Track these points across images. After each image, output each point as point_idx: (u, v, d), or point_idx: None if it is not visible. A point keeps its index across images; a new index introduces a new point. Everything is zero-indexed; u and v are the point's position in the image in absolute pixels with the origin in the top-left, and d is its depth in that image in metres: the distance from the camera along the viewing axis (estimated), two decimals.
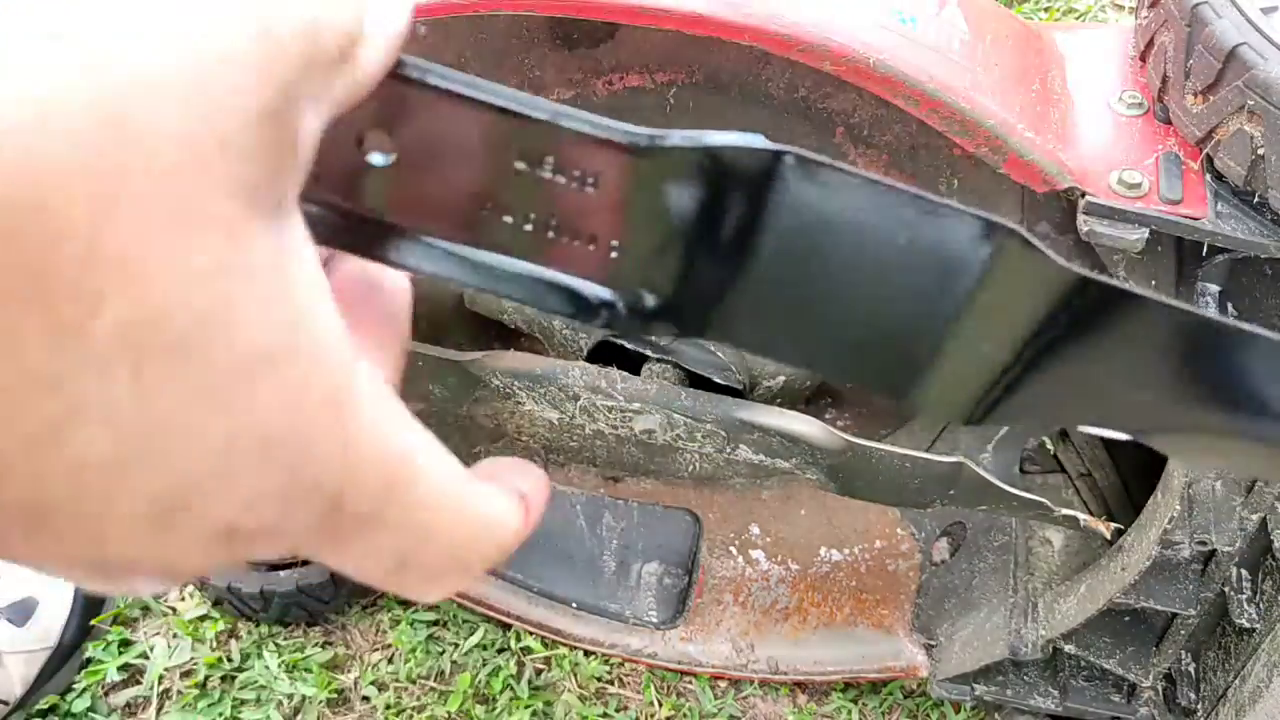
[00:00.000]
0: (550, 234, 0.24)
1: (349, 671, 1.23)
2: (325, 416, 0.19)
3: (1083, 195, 0.69)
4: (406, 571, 0.23)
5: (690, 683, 1.23)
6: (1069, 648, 0.96)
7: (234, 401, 0.18)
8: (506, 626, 1.22)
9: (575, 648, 1.20)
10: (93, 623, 1.21)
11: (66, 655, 1.18)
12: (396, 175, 0.23)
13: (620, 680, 1.23)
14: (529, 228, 0.24)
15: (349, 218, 0.24)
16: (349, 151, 0.23)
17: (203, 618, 1.25)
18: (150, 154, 0.16)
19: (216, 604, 1.24)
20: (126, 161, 0.15)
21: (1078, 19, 1.81)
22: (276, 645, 1.24)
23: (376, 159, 0.23)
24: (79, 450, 0.17)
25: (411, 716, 1.19)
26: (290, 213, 0.19)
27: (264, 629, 1.25)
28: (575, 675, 1.22)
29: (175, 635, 1.23)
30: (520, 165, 0.23)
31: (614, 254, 0.24)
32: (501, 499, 0.25)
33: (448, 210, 0.24)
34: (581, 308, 0.25)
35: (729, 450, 0.89)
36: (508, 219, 0.24)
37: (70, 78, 0.15)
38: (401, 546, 0.22)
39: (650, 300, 0.25)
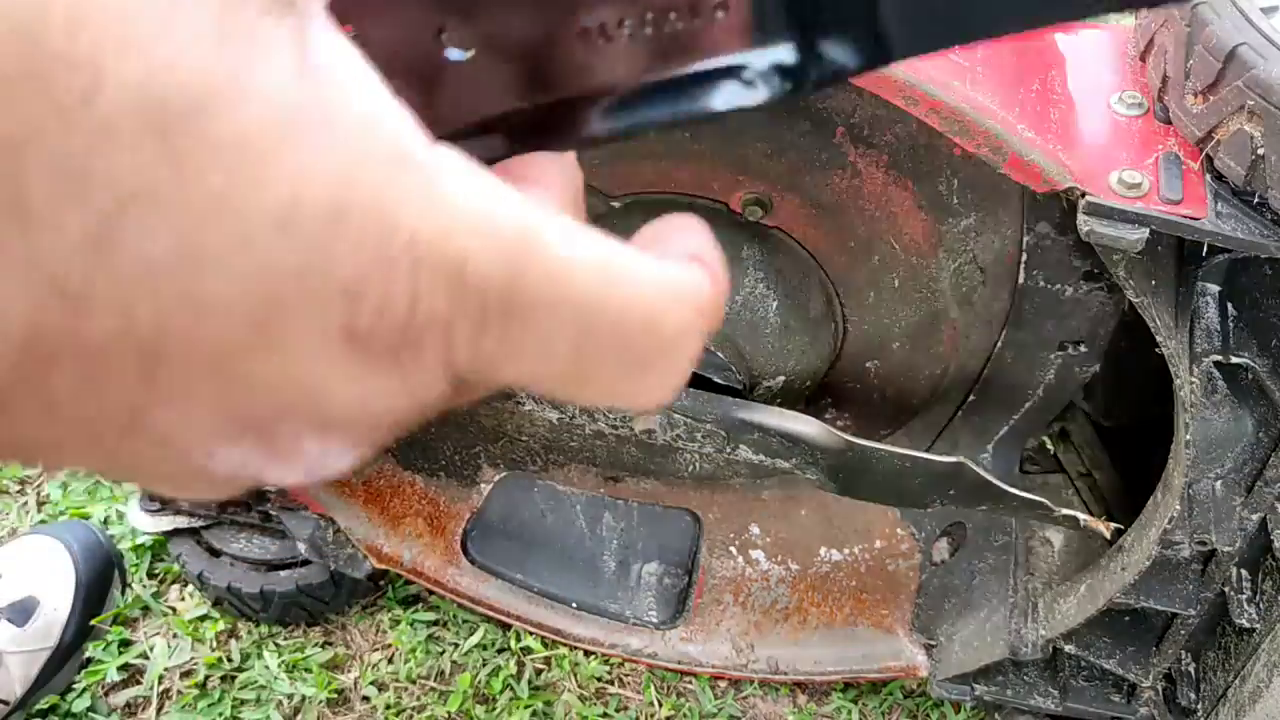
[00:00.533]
0: (678, 21, 0.22)
1: (349, 671, 1.23)
2: (394, 173, 0.17)
3: (1083, 195, 0.69)
4: (593, 361, 0.19)
5: (690, 683, 1.22)
6: (1069, 648, 0.96)
7: (281, 160, 0.16)
8: (506, 626, 1.22)
9: (575, 648, 1.20)
10: (93, 623, 1.21)
11: (66, 655, 1.18)
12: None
13: (620, 680, 1.23)
14: (649, 30, 0.22)
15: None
16: (427, 47, 0.21)
17: (203, 618, 1.25)
18: None
19: (216, 604, 1.24)
20: None
21: None
22: (276, 645, 1.24)
23: (454, 54, 0.21)
24: (139, 248, 0.15)
25: (411, 716, 1.19)
26: (309, 13, 0.17)
27: (264, 629, 1.25)
28: (575, 675, 1.22)
29: (175, 635, 1.23)
30: None
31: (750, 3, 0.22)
32: (670, 261, 0.21)
33: (559, 56, 0.22)
34: (760, 80, 0.22)
35: (729, 450, 0.89)
36: (625, 29, 0.22)
37: None
38: (566, 323, 0.19)
39: (813, 31, 0.22)
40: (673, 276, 0.20)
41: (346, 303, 0.17)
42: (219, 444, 0.18)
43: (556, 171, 0.23)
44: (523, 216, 0.18)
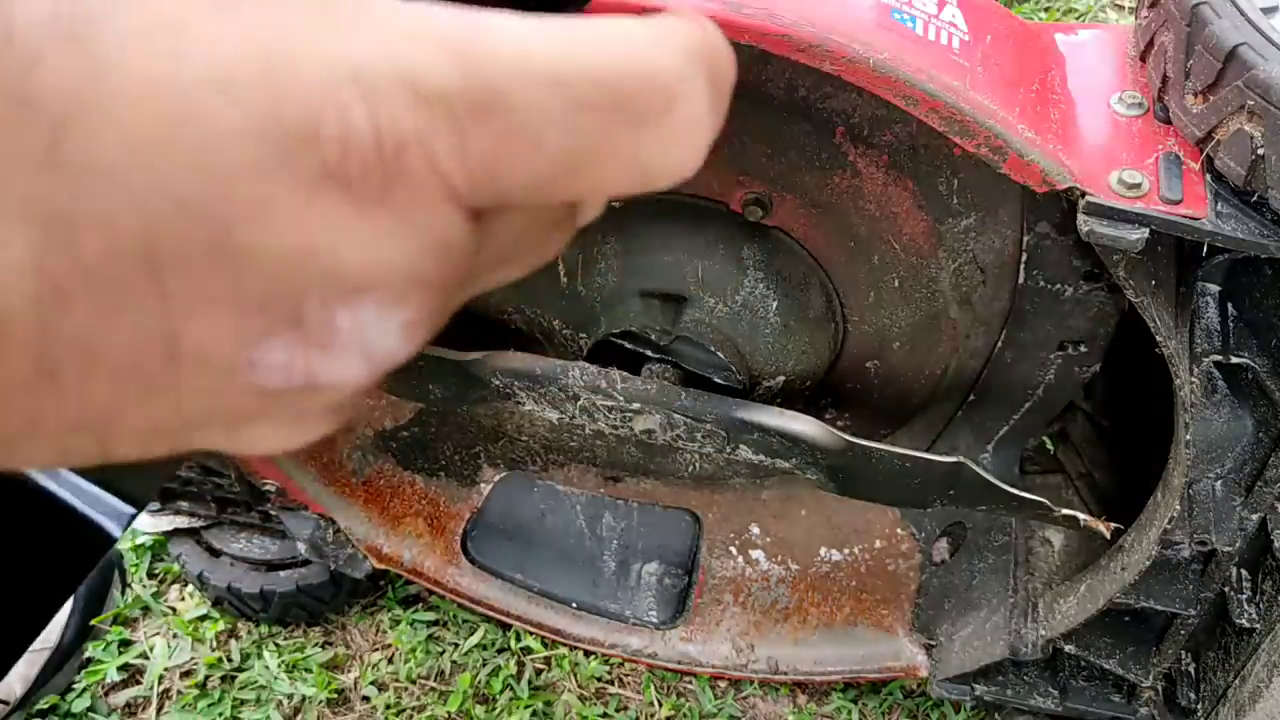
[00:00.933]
0: None
1: (349, 671, 1.23)
2: (320, 12, 0.17)
3: (1083, 195, 0.69)
4: (596, 133, 0.18)
5: (690, 683, 1.23)
6: (1069, 648, 0.96)
7: (202, 33, 0.16)
8: (506, 626, 1.22)
9: (575, 648, 1.20)
10: (93, 623, 1.21)
11: (66, 655, 1.18)
12: None
13: (620, 680, 1.23)
14: None
15: None
16: None
17: (203, 618, 1.25)
18: None
19: (216, 604, 1.24)
20: None
21: (1078, 19, 1.81)
22: (276, 645, 1.24)
23: None
24: (94, 153, 0.15)
25: (411, 716, 1.19)
26: None
27: (264, 629, 1.25)
28: (575, 675, 1.22)
29: (175, 635, 1.23)
30: None
31: None
32: (643, 20, 0.19)
33: None
34: None
35: (729, 450, 0.89)
36: None
37: None
38: (546, 102, 0.17)
39: None
40: (644, 28, 0.19)
41: (310, 146, 0.16)
42: (255, 344, 0.17)
43: None
44: (460, 15, 0.17)
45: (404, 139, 0.16)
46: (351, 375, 0.18)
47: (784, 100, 0.80)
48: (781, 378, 0.98)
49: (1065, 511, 0.86)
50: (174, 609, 1.26)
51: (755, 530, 1.18)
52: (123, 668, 1.21)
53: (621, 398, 0.89)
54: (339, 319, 0.17)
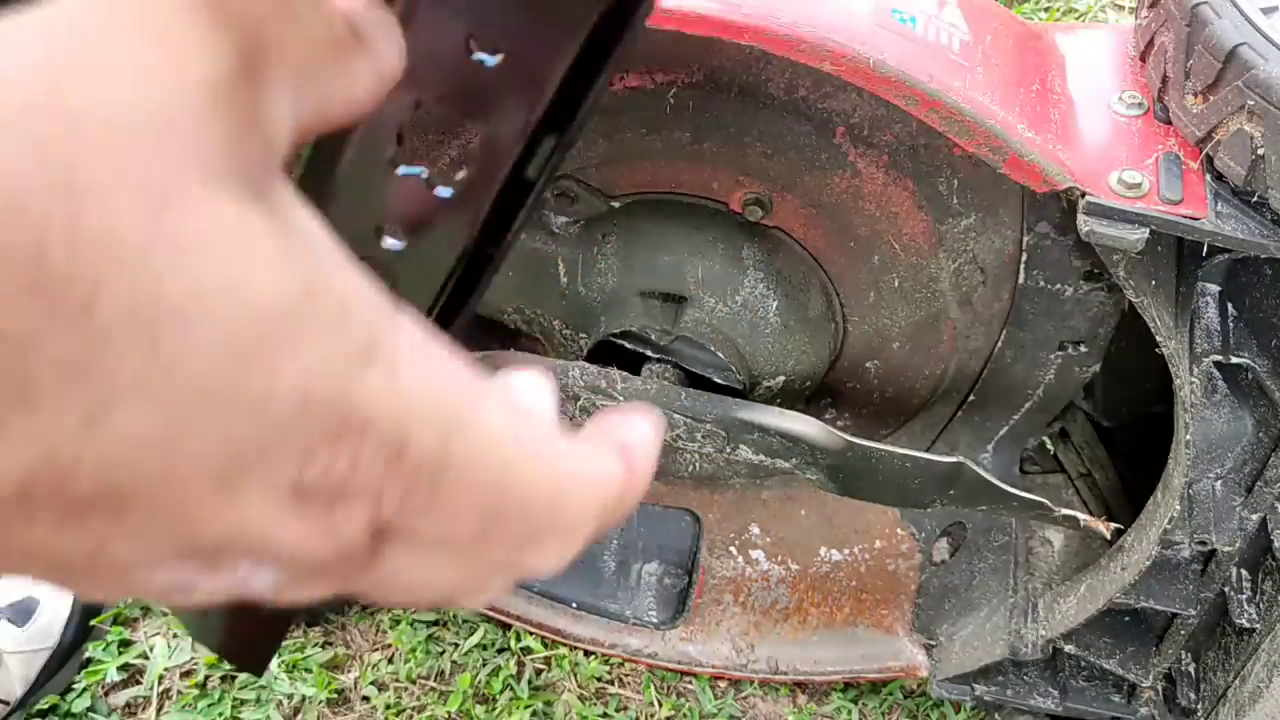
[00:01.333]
0: None
1: (349, 671, 1.23)
2: (361, 366, 0.19)
3: (1083, 195, 0.69)
4: (496, 530, 0.22)
5: (690, 683, 1.23)
6: (1069, 648, 0.96)
7: (261, 361, 0.18)
8: (506, 626, 1.22)
9: (575, 648, 1.20)
10: (93, 623, 1.21)
11: (66, 655, 1.18)
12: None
13: (620, 680, 1.23)
14: None
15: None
16: (459, 58, 0.23)
17: None
18: (101, 141, 0.17)
19: None
20: (79, 151, 0.17)
21: (1078, 19, 1.81)
22: None
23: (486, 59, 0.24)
24: (128, 429, 0.17)
25: (411, 716, 1.19)
26: (274, 184, 0.19)
27: None
28: (575, 675, 1.22)
29: (175, 635, 1.23)
30: None
31: None
32: (593, 451, 0.23)
33: None
34: None
35: (729, 450, 0.89)
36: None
37: (13, 76, 0.16)
38: (479, 497, 0.21)
39: None
40: (588, 466, 0.23)
41: (298, 467, 0.19)
42: (165, 568, 0.20)
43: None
44: (462, 397, 0.21)
45: (371, 482, 0.20)
46: (223, 591, 0.22)
47: (784, 100, 0.80)
48: (781, 378, 0.98)
49: (1065, 511, 0.86)
50: None
51: (755, 530, 1.18)
52: (123, 668, 1.21)
53: (621, 397, 0.89)
54: (240, 569, 0.21)
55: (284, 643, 1.24)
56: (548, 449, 0.22)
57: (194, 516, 0.19)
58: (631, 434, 0.25)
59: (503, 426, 0.21)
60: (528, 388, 0.25)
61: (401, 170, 0.25)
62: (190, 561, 0.20)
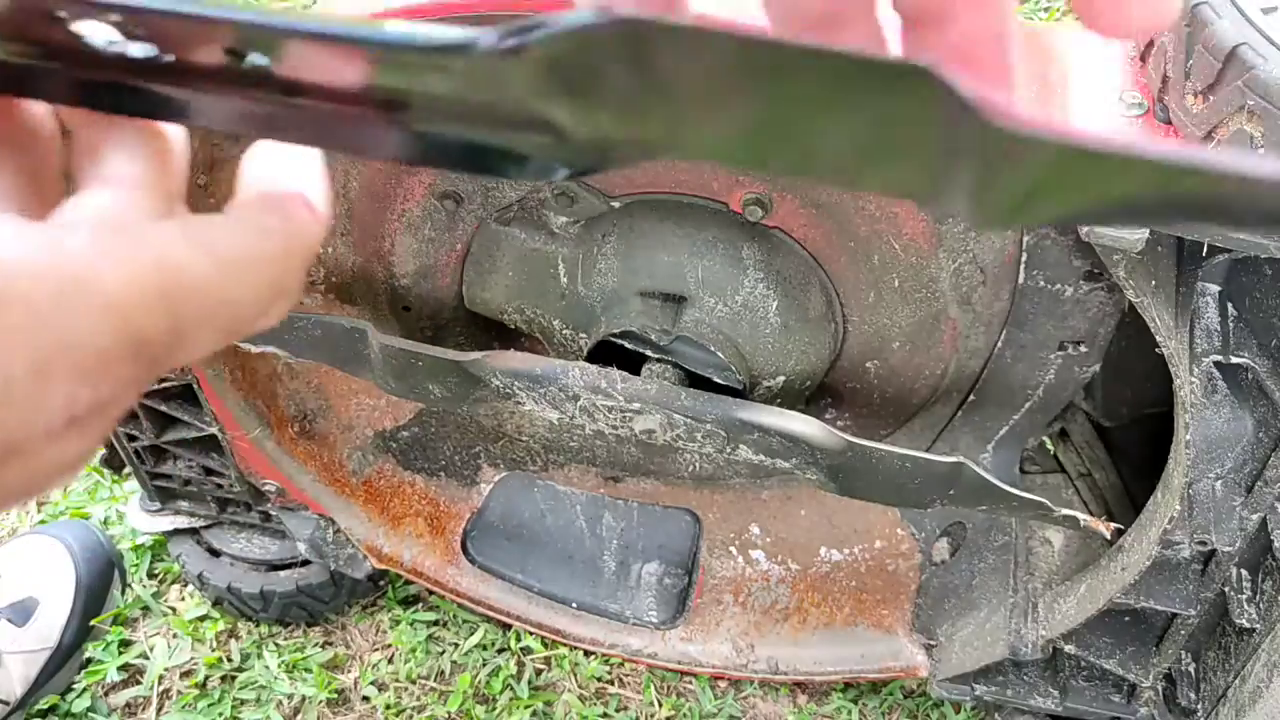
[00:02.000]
0: None
1: (349, 671, 1.23)
2: (59, 280, 0.22)
3: None
4: (241, 328, 0.26)
5: (690, 683, 1.23)
6: (1069, 648, 0.96)
7: None
8: (506, 626, 1.22)
9: (575, 648, 1.20)
10: (93, 623, 1.21)
11: (66, 655, 1.18)
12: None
13: (620, 680, 1.23)
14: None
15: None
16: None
17: (203, 618, 1.25)
18: None
19: (216, 604, 1.24)
20: None
21: (1078, 19, 1.81)
22: (276, 645, 1.24)
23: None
24: None
25: (411, 716, 1.19)
26: None
27: (264, 629, 1.25)
28: (575, 675, 1.22)
29: (175, 635, 1.23)
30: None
31: None
32: (259, 234, 0.27)
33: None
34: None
35: (729, 450, 0.89)
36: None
37: None
38: (220, 324, 0.25)
39: None
40: (269, 246, 0.28)
41: (65, 405, 0.22)
42: None
43: (128, 165, 0.28)
44: (165, 266, 0.24)
45: (130, 382, 0.23)
46: None
47: None
48: (781, 378, 0.98)
49: (1065, 511, 0.86)
50: (174, 609, 1.26)
51: (755, 530, 1.18)
52: (123, 668, 1.21)
53: (621, 398, 0.89)
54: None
55: (284, 642, 1.24)
56: (239, 242, 0.26)
57: None
58: (289, 182, 0.29)
59: (203, 257, 0.25)
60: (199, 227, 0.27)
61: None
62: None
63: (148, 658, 1.21)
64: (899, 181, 0.22)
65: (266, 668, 1.21)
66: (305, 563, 1.20)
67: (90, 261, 0.22)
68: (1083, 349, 0.91)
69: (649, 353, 0.96)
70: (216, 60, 0.25)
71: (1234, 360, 0.74)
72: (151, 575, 1.29)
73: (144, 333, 0.23)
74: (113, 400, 0.23)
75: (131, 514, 1.20)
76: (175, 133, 0.29)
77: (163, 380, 0.99)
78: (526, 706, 1.19)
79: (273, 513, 1.15)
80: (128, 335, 0.23)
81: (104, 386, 0.23)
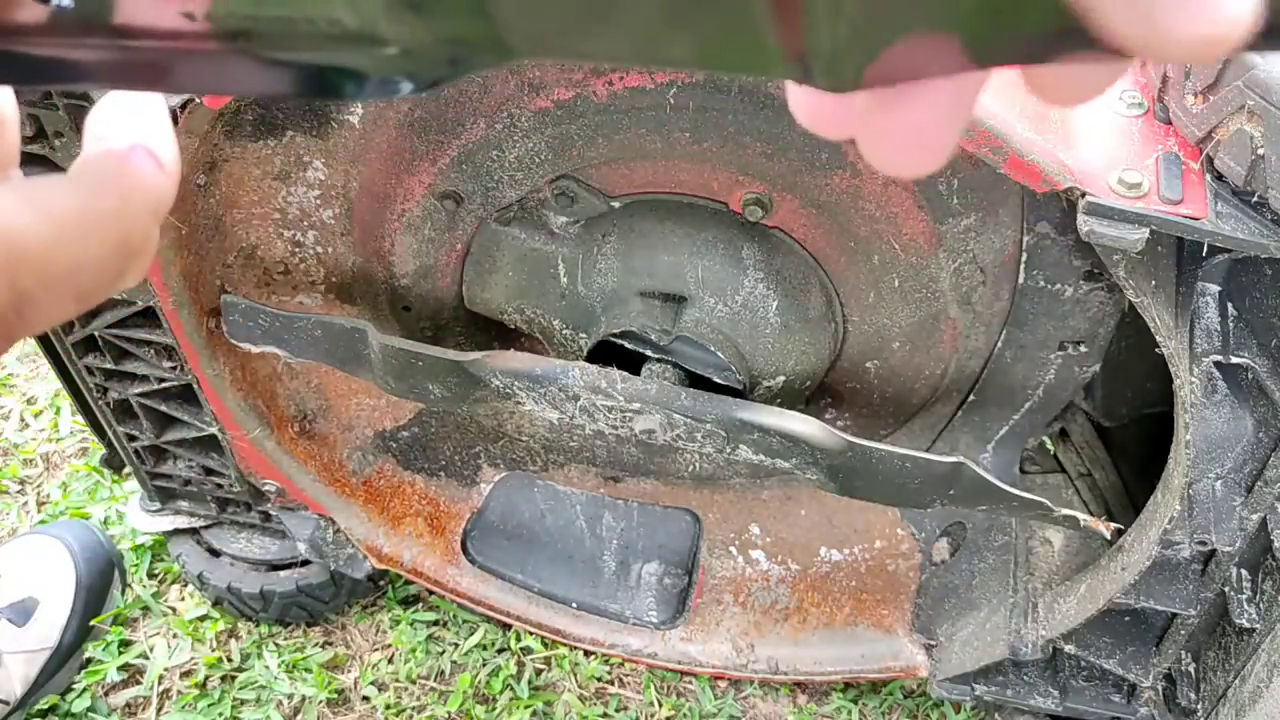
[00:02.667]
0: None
1: (349, 671, 1.23)
2: None
3: (1083, 195, 0.69)
4: (92, 295, 0.26)
5: (690, 683, 1.23)
6: (1069, 648, 0.96)
7: None
8: (506, 626, 1.22)
9: (575, 648, 1.20)
10: (93, 623, 1.21)
11: (66, 655, 1.18)
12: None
13: (620, 680, 1.23)
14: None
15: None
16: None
17: (203, 618, 1.25)
18: None
19: (216, 604, 1.24)
20: None
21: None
22: (276, 645, 1.24)
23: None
24: None
25: (411, 716, 1.19)
26: None
27: (264, 629, 1.25)
28: (575, 675, 1.22)
29: (175, 635, 1.23)
30: None
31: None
32: (96, 199, 0.26)
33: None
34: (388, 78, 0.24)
35: (729, 450, 0.89)
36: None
37: None
38: (66, 289, 0.25)
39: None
40: (105, 204, 0.26)
41: None
42: None
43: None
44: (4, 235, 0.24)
45: None
46: None
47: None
48: (781, 378, 0.98)
49: (1065, 511, 0.86)
50: (174, 609, 1.26)
51: (755, 530, 1.18)
52: (123, 668, 1.21)
53: (621, 398, 0.89)
54: None
55: (284, 642, 1.24)
56: (68, 231, 0.25)
57: None
58: (131, 135, 0.28)
59: (39, 240, 0.24)
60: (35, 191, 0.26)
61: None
62: None
63: (148, 658, 1.21)
64: (726, 50, 0.21)
65: (266, 668, 1.21)
66: (305, 563, 1.20)
67: None
68: (1083, 349, 0.91)
69: (649, 353, 0.96)
70: (35, 14, 0.24)
71: (1234, 360, 0.74)
72: (151, 575, 1.29)
73: None
74: None
75: (131, 514, 1.20)
76: (3, 98, 0.29)
77: (162, 380, 0.99)
78: (526, 706, 1.19)
79: (273, 513, 1.15)
80: None
81: None
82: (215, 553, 1.21)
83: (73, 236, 0.25)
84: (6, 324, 0.23)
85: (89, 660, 1.21)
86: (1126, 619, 0.94)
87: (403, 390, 0.95)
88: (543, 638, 1.21)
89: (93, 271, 0.25)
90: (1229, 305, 0.76)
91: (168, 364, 0.98)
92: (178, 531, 1.20)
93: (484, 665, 1.22)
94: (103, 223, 0.26)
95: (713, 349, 0.93)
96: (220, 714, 1.18)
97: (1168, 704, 0.98)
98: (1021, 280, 0.87)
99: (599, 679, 1.22)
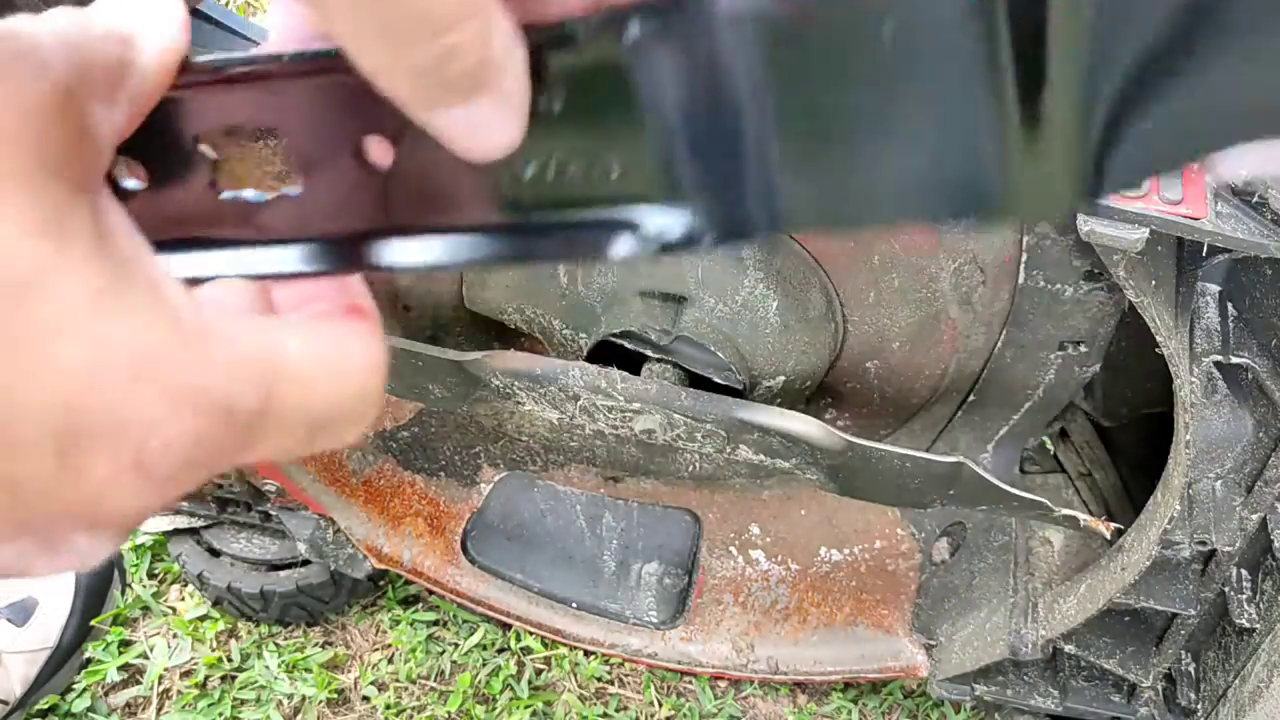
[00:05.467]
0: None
1: (349, 671, 1.23)
2: (175, 342, 0.22)
3: None
4: (322, 433, 0.26)
5: (690, 683, 1.23)
6: (1069, 648, 0.96)
7: (84, 333, 0.20)
8: (506, 626, 1.22)
9: (575, 648, 1.20)
10: (93, 623, 1.21)
11: (66, 655, 1.18)
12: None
13: (620, 680, 1.23)
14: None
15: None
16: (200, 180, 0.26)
17: (203, 618, 1.25)
18: None
19: (216, 604, 1.24)
20: None
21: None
22: (276, 645, 1.24)
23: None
24: None
25: (411, 716, 1.19)
26: (96, 191, 0.22)
27: (264, 629, 1.25)
28: (575, 675, 1.22)
29: (175, 635, 1.23)
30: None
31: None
32: (352, 333, 0.27)
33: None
34: (653, 236, 0.25)
35: (729, 450, 0.89)
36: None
37: None
38: (302, 420, 0.25)
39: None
40: (368, 355, 0.26)
41: (138, 446, 0.21)
42: (16, 552, 0.22)
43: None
44: (268, 351, 0.24)
45: (211, 448, 0.22)
46: (58, 569, 0.23)
47: None
48: (781, 378, 0.98)
49: (1065, 511, 0.86)
50: (174, 609, 1.26)
51: (755, 530, 1.18)
52: (123, 668, 1.21)
53: (621, 398, 0.89)
54: (77, 542, 0.22)
55: (284, 642, 1.24)
56: (333, 346, 0.26)
57: (33, 493, 0.20)
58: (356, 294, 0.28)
59: (303, 362, 0.25)
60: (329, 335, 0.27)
61: (226, 195, 0.26)
62: (24, 538, 0.22)
63: (148, 658, 1.21)
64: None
65: (266, 668, 1.21)
66: (305, 563, 1.20)
67: (214, 324, 0.23)
68: (1083, 349, 0.91)
69: (649, 353, 0.96)
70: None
71: (1234, 360, 0.74)
72: (151, 575, 1.29)
73: (234, 400, 0.23)
74: (179, 457, 0.22)
75: None
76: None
77: None
78: (526, 706, 1.19)
79: (273, 513, 1.15)
80: (223, 394, 0.22)
81: (181, 434, 0.22)
82: (215, 553, 1.21)
83: (329, 374, 0.25)
84: (242, 428, 0.23)
85: (89, 660, 1.21)
86: (1126, 619, 0.94)
87: (402, 390, 0.95)
88: (543, 638, 1.21)
89: (333, 409, 0.26)
90: (1229, 305, 0.76)
91: None
92: (178, 531, 1.20)
93: (484, 665, 1.22)
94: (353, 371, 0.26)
95: (713, 349, 0.93)
96: (220, 714, 1.18)
97: (1168, 704, 0.98)
98: (1021, 280, 0.87)
99: (599, 679, 1.22)
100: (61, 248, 0.20)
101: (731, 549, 1.18)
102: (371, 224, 0.26)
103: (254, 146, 0.26)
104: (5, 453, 0.20)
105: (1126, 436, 1.09)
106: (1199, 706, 0.93)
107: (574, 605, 1.18)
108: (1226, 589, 0.85)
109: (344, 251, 0.26)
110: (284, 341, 0.24)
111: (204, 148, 0.26)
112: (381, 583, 1.27)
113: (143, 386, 0.21)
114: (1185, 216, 0.67)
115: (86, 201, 0.21)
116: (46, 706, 1.17)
